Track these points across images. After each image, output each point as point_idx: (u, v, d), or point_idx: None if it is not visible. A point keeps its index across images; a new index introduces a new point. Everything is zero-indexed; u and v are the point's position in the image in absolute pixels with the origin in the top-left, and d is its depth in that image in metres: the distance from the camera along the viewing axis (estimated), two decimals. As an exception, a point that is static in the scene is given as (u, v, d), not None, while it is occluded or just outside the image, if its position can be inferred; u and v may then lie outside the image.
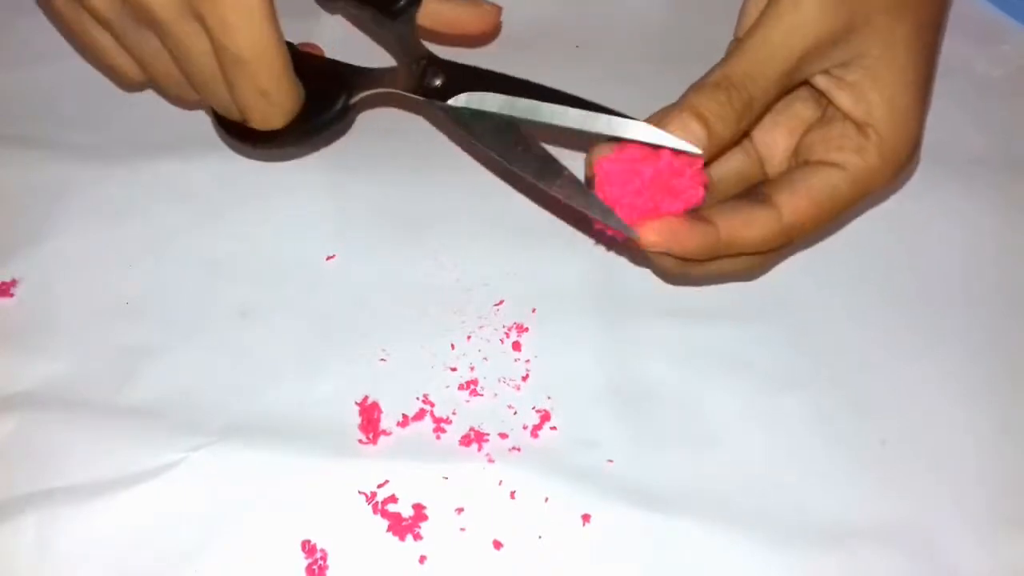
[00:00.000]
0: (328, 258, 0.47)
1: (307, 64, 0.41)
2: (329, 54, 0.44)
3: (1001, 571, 0.40)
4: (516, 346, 0.45)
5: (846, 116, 0.40)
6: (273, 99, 0.40)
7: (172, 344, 0.44)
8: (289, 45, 0.40)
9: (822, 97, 0.41)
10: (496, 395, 0.43)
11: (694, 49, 0.46)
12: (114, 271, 0.46)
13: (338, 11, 0.42)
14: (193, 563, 0.38)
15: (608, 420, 0.43)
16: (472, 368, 0.44)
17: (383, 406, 0.42)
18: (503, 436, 0.42)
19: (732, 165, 0.43)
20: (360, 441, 0.42)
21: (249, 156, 0.49)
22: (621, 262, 0.47)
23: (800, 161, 0.42)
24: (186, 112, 0.51)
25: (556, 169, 0.39)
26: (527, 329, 0.45)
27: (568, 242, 0.48)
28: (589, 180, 0.39)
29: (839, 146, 0.40)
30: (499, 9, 0.42)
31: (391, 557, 0.39)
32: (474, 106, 0.40)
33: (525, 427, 0.42)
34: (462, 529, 0.40)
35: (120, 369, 0.43)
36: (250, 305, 0.45)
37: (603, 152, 0.39)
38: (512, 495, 0.40)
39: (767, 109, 0.39)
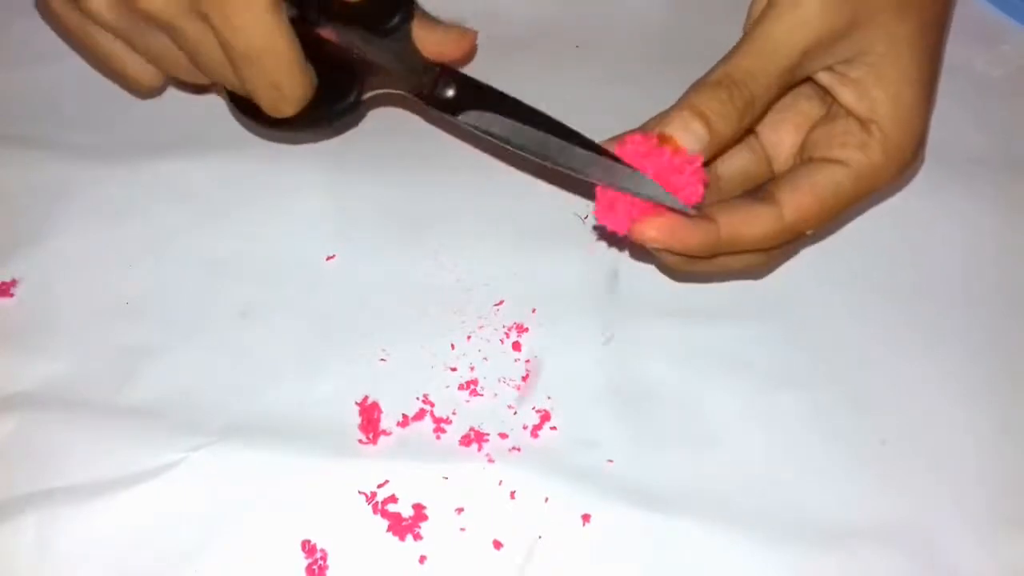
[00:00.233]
0: (328, 258, 0.47)
1: (321, 50, 0.41)
2: None
3: (1001, 571, 0.40)
4: (516, 346, 0.45)
5: (850, 113, 0.40)
6: (284, 90, 0.40)
7: (172, 344, 0.44)
8: (303, 28, 0.40)
9: (827, 94, 0.41)
10: (496, 395, 0.43)
11: (694, 49, 0.46)
12: (114, 271, 0.46)
13: (324, 29, 0.41)
14: (193, 563, 0.38)
15: (608, 420, 0.43)
16: (472, 368, 0.44)
17: (383, 406, 0.42)
18: (503, 436, 0.42)
19: (738, 164, 0.43)
20: (360, 441, 0.42)
21: (261, 136, 0.49)
22: (621, 262, 0.47)
23: (804, 158, 0.42)
24: (186, 112, 0.51)
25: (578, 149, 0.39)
26: (527, 329, 0.45)
27: (568, 242, 0.48)
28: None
29: (843, 143, 0.40)
30: (476, 33, 0.43)
31: (391, 557, 0.39)
32: (482, 126, 0.40)
33: (525, 427, 0.42)
34: (462, 529, 0.40)
35: (120, 369, 0.43)
36: (250, 305, 0.45)
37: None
38: (512, 495, 0.40)
39: (769, 106, 0.39)
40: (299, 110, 0.41)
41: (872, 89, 0.39)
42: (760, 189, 0.41)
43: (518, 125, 0.40)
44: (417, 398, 0.43)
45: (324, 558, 0.39)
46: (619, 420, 0.43)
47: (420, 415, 0.42)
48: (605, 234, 0.46)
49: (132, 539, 0.39)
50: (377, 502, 0.40)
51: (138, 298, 0.45)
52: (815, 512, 0.41)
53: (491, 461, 0.41)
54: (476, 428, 0.42)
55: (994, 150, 0.51)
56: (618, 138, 0.39)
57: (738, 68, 0.38)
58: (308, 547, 0.39)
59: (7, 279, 0.45)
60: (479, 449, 0.42)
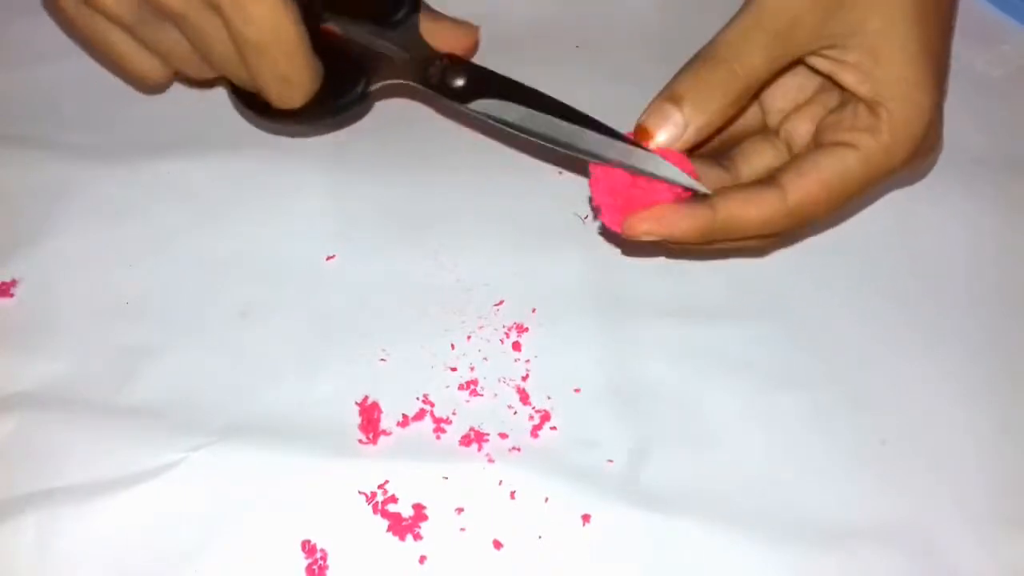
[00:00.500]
0: (328, 258, 0.47)
1: (327, 43, 0.41)
2: None
3: (1001, 571, 0.40)
4: (516, 346, 0.45)
5: (857, 97, 0.39)
6: (292, 82, 0.40)
7: (172, 344, 0.44)
8: (309, 22, 0.40)
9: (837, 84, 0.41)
10: (496, 395, 0.43)
11: (694, 49, 0.46)
12: (114, 271, 0.46)
13: (329, 23, 0.41)
14: (193, 563, 0.38)
15: (608, 420, 0.43)
16: (472, 368, 0.44)
17: (383, 406, 0.42)
18: (503, 436, 0.42)
19: (764, 161, 0.43)
20: (360, 441, 0.42)
21: (266, 129, 0.49)
22: (621, 262, 0.47)
23: (815, 144, 0.41)
24: (186, 112, 0.51)
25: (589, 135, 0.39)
26: (527, 329, 0.45)
27: (568, 242, 0.48)
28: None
29: (851, 127, 0.39)
30: (479, 28, 0.43)
31: (391, 557, 0.39)
32: (494, 113, 0.40)
33: (525, 427, 0.42)
34: (462, 529, 0.40)
35: (120, 369, 0.43)
36: (250, 305, 0.45)
37: None
38: (512, 495, 0.40)
39: (761, 81, 0.38)
40: (306, 102, 0.41)
41: (873, 70, 0.38)
42: (767, 175, 0.41)
43: (529, 111, 0.40)
44: (417, 398, 0.43)
45: (324, 558, 0.39)
46: (619, 420, 0.43)
47: (420, 415, 0.42)
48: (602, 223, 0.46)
49: (132, 539, 0.39)
50: (377, 502, 0.40)
51: (138, 298, 0.45)
52: (815, 512, 0.41)
53: (491, 461, 0.41)
54: (476, 428, 0.42)
55: (994, 150, 0.51)
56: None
57: (722, 42, 0.38)
58: (308, 547, 0.39)
59: (7, 279, 0.45)
60: (479, 449, 0.42)
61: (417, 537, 0.39)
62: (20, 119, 0.50)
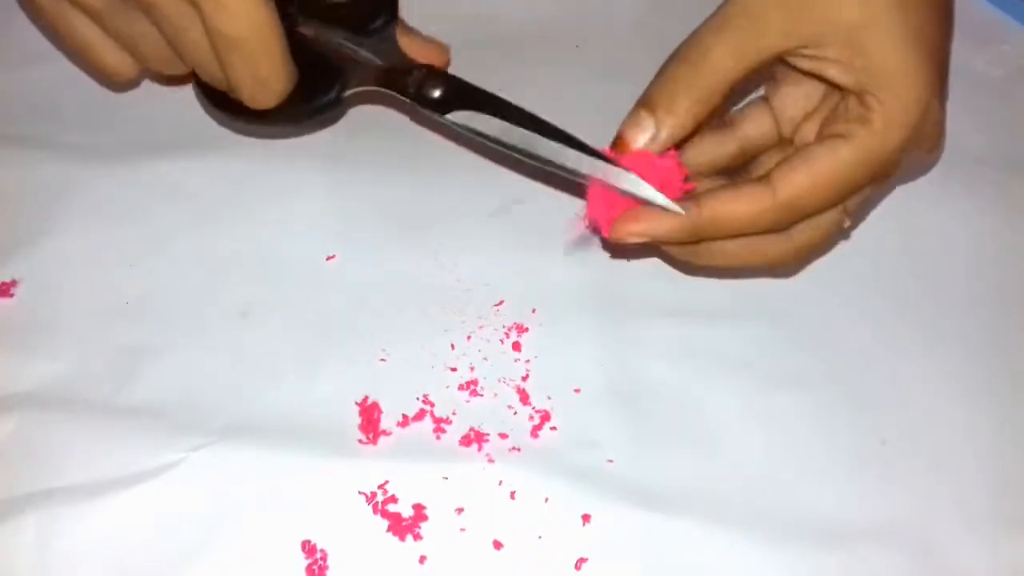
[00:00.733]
0: (328, 258, 0.47)
1: (302, 46, 0.41)
2: None
3: (1001, 571, 0.40)
4: (516, 346, 0.45)
5: (846, 90, 0.39)
6: (266, 81, 0.40)
7: (172, 344, 0.44)
8: (284, 24, 0.40)
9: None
10: (496, 395, 0.43)
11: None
12: (114, 271, 0.46)
13: (304, 27, 0.41)
14: (193, 563, 0.38)
15: (608, 420, 0.43)
16: (472, 368, 0.44)
17: (383, 406, 0.42)
18: (503, 436, 0.42)
19: (772, 161, 0.42)
20: (360, 441, 0.42)
21: (234, 130, 0.49)
22: (622, 262, 0.47)
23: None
24: (186, 112, 0.51)
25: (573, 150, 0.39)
26: (527, 329, 0.45)
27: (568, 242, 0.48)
28: None
29: (844, 119, 0.39)
30: (450, 48, 0.43)
31: (391, 557, 0.39)
32: (471, 126, 0.40)
33: (525, 427, 0.42)
34: (462, 529, 0.40)
35: (120, 369, 0.43)
36: (250, 305, 0.45)
37: None
38: (512, 495, 0.40)
39: (728, 83, 0.38)
40: (279, 103, 0.41)
41: (855, 62, 0.38)
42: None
43: (506, 124, 0.40)
44: (417, 398, 0.43)
45: (324, 558, 0.39)
46: (619, 420, 0.43)
47: (420, 415, 0.42)
48: (597, 232, 0.46)
49: (132, 539, 0.39)
50: (377, 502, 0.40)
51: (138, 298, 0.45)
52: (815, 512, 0.41)
53: (491, 461, 0.41)
54: (476, 428, 0.42)
55: (994, 150, 0.51)
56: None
57: (690, 44, 0.38)
58: (308, 547, 0.39)
59: (7, 279, 0.45)
60: (479, 449, 0.42)
61: (417, 537, 0.39)
62: (20, 119, 0.50)
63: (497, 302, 0.46)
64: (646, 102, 0.38)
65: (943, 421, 0.43)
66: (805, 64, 0.39)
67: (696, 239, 0.39)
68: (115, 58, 0.42)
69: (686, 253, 0.41)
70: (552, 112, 0.39)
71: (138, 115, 0.51)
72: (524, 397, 0.43)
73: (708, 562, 0.39)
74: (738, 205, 0.38)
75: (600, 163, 0.38)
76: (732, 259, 0.41)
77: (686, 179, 0.38)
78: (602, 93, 0.47)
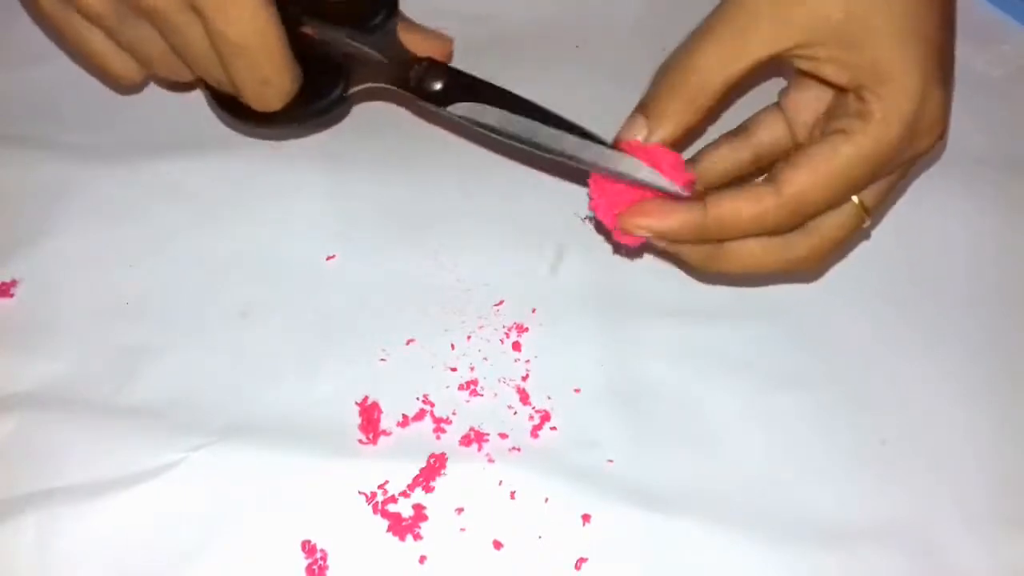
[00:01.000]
0: (328, 258, 0.47)
1: (306, 46, 0.41)
2: None
3: (1001, 571, 0.40)
4: (516, 346, 0.45)
5: (842, 88, 0.39)
6: (271, 84, 0.40)
7: (172, 344, 0.44)
8: (286, 25, 0.40)
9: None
10: (496, 395, 0.43)
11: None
12: (114, 271, 0.46)
13: (307, 27, 0.42)
14: (193, 563, 0.38)
15: (608, 420, 0.43)
16: (472, 368, 0.44)
17: (383, 406, 0.42)
18: (503, 436, 0.42)
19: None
20: (360, 441, 0.42)
21: (243, 132, 0.49)
22: (621, 262, 0.47)
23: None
24: (186, 112, 0.51)
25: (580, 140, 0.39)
26: (527, 329, 0.45)
27: (568, 242, 0.48)
28: None
29: (844, 115, 0.39)
30: (452, 40, 0.43)
31: (391, 557, 0.39)
32: (473, 117, 0.40)
33: (525, 427, 0.42)
34: (462, 529, 0.40)
35: (120, 369, 0.43)
36: (250, 305, 0.45)
37: None
38: (512, 495, 0.40)
39: (720, 87, 0.38)
40: (284, 104, 0.41)
41: (848, 59, 0.38)
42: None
43: (507, 114, 0.40)
44: (417, 398, 0.43)
45: (324, 558, 0.39)
46: (619, 420, 0.43)
47: (420, 415, 0.42)
48: (603, 230, 0.46)
49: (132, 539, 0.39)
50: (377, 502, 0.40)
51: (138, 298, 0.45)
52: (815, 512, 0.41)
53: (491, 461, 0.41)
54: (476, 428, 0.42)
55: (994, 150, 0.51)
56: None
57: (681, 49, 0.38)
58: (308, 547, 0.39)
59: (7, 279, 0.45)
60: (479, 449, 0.42)
61: (417, 537, 0.39)
62: (20, 119, 0.50)
63: (497, 302, 0.46)
64: (640, 106, 0.39)
65: (943, 421, 0.43)
66: (803, 65, 0.39)
67: (703, 239, 0.39)
68: (121, 63, 0.43)
69: (705, 259, 0.41)
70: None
71: (138, 115, 0.51)
72: (524, 397, 0.43)
73: (708, 562, 0.39)
74: (743, 203, 0.38)
75: (601, 149, 0.38)
76: (752, 263, 0.41)
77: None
78: (602, 93, 0.47)
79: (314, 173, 0.49)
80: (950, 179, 0.50)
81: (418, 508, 0.40)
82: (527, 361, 0.44)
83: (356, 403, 0.42)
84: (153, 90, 0.51)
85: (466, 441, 0.42)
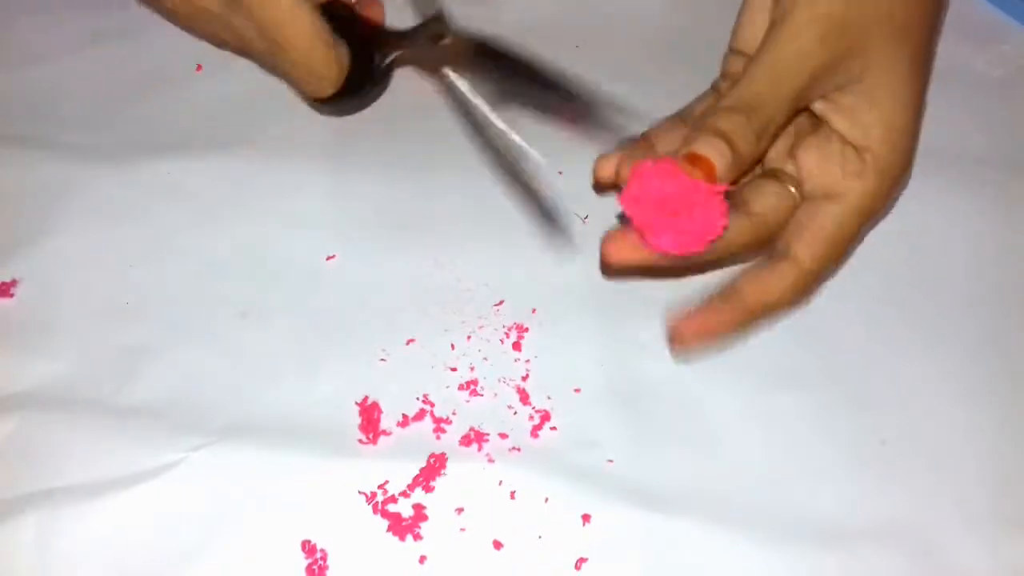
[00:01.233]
0: (328, 258, 0.47)
1: (347, 27, 0.43)
2: None
3: (1001, 571, 0.40)
4: (516, 346, 0.45)
5: (844, 140, 0.40)
6: (316, 75, 0.43)
7: (172, 344, 0.44)
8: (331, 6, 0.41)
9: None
10: (496, 395, 0.43)
11: (693, 49, 0.46)
12: (114, 271, 0.46)
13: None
14: (193, 563, 0.38)
15: (608, 420, 0.43)
16: (472, 368, 0.44)
17: (383, 406, 0.42)
18: (503, 436, 0.42)
19: (760, 190, 0.43)
20: (360, 441, 0.42)
21: (321, 112, 0.51)
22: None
23: (800, 181, 0.41)
24: (186, 112, 0.51)
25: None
26: (527, 329, 0.45)
27: (568, 242, 0.47)
28: (601, 183, 0.40)
29: (840, 171, 0.40)
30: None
31: (391, 557, 0.39)
32: (483, 80, 0.42)
33: (525, 427, 0.42)
34: (462, 529, 0.40)
35: (120, 369, 0.43)
36: (250, 305, 0.45)
37: (637, 156, 0.39)
38: (512, 495, 0.40)
39: (780, 132, 0.40)
40: (334, 91, 0.44)
41: (865, 115, 0.40)
42: (772, 247, 0.41)
43: (520, 82, 0.41)
44: (417, 398, 0.43)
45: (324, 558, 0.39)
46: (619, 420, 0.43)
47: (420, 415, 0.42)
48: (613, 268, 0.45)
49: (132, 539, 0.39)
50: (377, 502, 0.40)
51: (138, 298, 0.45)
52: (815, 512, 0.41)
53: (491, 461, 0.41)
54: (476, 428, 0.42)
55: (994, 150, 0.51)
56: (634, 152, 0.39)
57: (750, 93, 0.38)
58: (308, 547, 0.39)
59: (7, 279, 0.45)
60: (479, 449, 0.42)
61: (417, 537, 0.39)
62: (20, 119, 0.50)
63: (497, 302, 0.46)
64: (719, 131, 0.38)
65: (943, 421, 0.43)
66: (817, 106, 0.40)
67: (745, 328, 0.42)
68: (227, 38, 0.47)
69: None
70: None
71: (138, 115, 0.51)
72: (524, 397, 0.43)
73: (708, 562, 0.39)
74: (778, 287, 0.41)
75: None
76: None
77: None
78: (603, 93, 0.47)
79: (314, 173, 0.49)
80: (950, 179, 0.50)
81: (418, 508, 0.40)
82: (527, 361, 0.44)
83: (356, 403, 0.42)
84: (153, 90, 0.51)
85: (466, 441, 0.42)
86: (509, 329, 0.45)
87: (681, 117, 0.43)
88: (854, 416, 0.43)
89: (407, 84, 0.50)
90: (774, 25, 0.39)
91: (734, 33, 0.43)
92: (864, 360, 0.45)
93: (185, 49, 0.52)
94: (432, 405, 0.43)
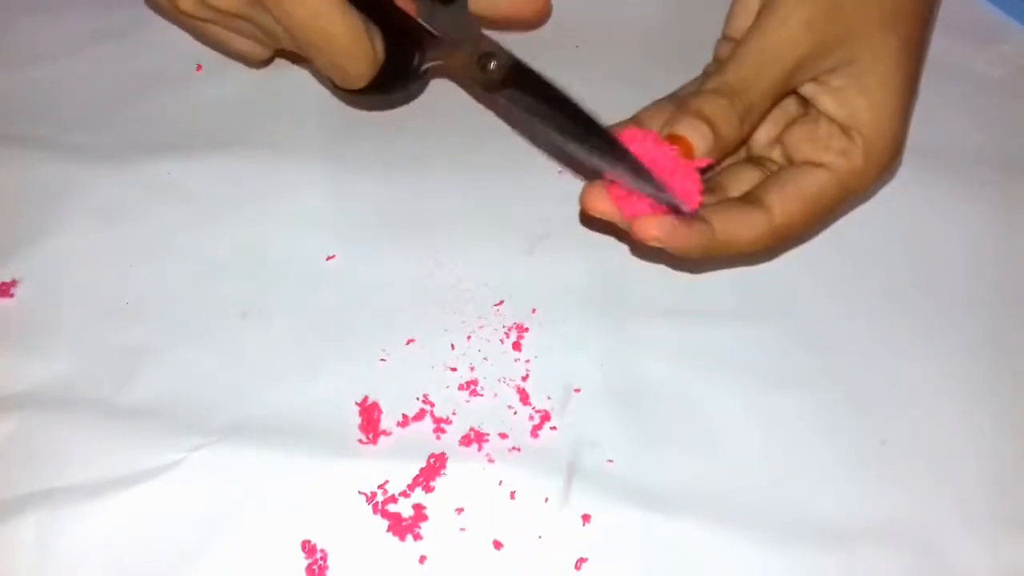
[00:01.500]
0: (328, 258, 0.47)
1: (386, 18, 0.42)
2: None
3: (1001, 571, 0.40)
4: (516, 346, 0.45)
5: (831, 119, 0.41)
6: (348, 70, 0.41)
7: (172, 344, 0.44)
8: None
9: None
10: (496, 395, 0.43)
11: (694, 49, 0.46)
12: (114, 271, 0.46)
13: None
14: (193, 563, 0.38)
15: (608, 420, 0.43)
16: (472, 368, 0.44)
17: (383, 406, 0.42)
18: (503, 436, 0.42)
19: (738, 174, 0.44)
20: (360, 441, 0.42)
21: (352, 105, 0.51)
22: (621, 262, 0.47)
23: (787, 158, 0.42)
24: (186, 112, 0.51)
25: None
26: (527, 329, 0.45)
27: (568, 242, 0.48)
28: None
29: (825, 147, 0.41)
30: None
31: (391, 557, 0.39)
32: (519, 105, 0.41)
33: (525, 427, 0.42)
34: (462, 529, 0.40)
35: (120, 369, 0.43)
36: (250, 305, 0.45)
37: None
38: (512, 495, 0.40)
39: (764, 116, 0.40)
40: (368, 83, 0.42)
41: (854, 98, 0.40)
42: (749, 193, 0.42)
43: (550, 109, 0.40)
44: (417, 398, 0.43)
45: (324, 558, 0.39)
46: (619, 420, 0.43)
47: (420, 415, 0.42)
48: (599, 226, 0.46)
49: (132, 539, 0.39)
50: (377, 502, 0.40)
51: (138, 298, 0.45)
52: (815, 512, 0.41)
53: (491, 461, 0.41)
54: (476, 428, 0.42)
55: (994, 150, 0.51)
56: (623, 124, 0.40)
57: (735, 78, 0.39)
58: (308, 547, 0.39)
59: (7, 279, 0.45)
60: (479, 449, 0.42)
61: (417, 537, 0.39)
62: (20, 119, 0.50)
63: (497, 302, 0.46)
64: (701, 115, 0.39)
65: (943, 421, 0.43)
66: (807, 87, 0.41)
67: (706, 258, 0.41)
68: (246, 47, 0.46)
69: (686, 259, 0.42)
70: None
71: (138, 115, 0.51)
72: (524, 397, 0.43)
73: (708, 562, 0.39)
74: (745, 230, 0.40)
75: (620, 158, 0.38)
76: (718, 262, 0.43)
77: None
78: (603, 93, 0.47)
79: (314, 173, 0.49)
80: (950, 179, 0.50)
81: (418, 508, 0.40)
82: (527, 361, 0.44)
83: (356, 403, 0.42)
84: (153, 90, 0.51)
85: (466, 441, 0.42)
86: (509, 329, 0.45)
87: (671, 100, 0.43)
88: (854, 416, 0.43)
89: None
90: (763, 10, 0.39)
91: (727, 20, 0.43)
92: (864, 360, 0.45)
93: (185, 49, 0.52)
94: (432, 405, 0.43)
